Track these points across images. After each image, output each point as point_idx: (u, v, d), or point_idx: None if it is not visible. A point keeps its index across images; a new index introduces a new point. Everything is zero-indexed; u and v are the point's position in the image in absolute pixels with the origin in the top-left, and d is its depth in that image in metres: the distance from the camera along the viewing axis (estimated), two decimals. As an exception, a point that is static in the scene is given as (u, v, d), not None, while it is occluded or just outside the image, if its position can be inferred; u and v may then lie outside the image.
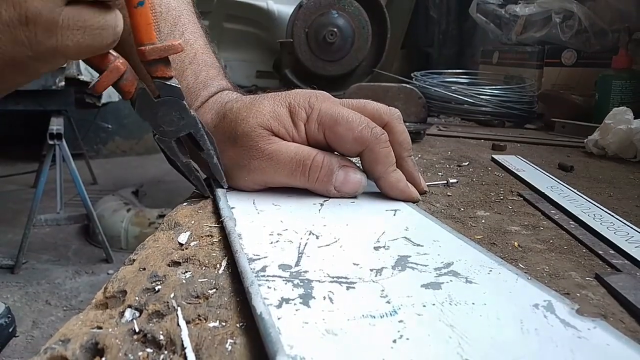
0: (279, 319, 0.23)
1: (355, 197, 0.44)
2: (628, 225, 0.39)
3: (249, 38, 1.79)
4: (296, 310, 0.24)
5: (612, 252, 0.34)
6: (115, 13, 0.33)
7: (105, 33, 0.33)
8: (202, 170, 0.45)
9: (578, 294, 0.28)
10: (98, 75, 0.37)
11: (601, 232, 0.37)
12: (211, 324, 0.24)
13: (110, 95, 2.88)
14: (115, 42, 0.34)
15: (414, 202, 0.44)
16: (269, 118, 0.43)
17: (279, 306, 0.24)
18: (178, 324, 0.23)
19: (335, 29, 1.16)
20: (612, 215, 0.41)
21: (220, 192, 0.43)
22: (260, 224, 0.36)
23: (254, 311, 0.23)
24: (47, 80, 2.39)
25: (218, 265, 0.30)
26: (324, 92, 0.46)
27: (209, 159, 0.42)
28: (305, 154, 0.42)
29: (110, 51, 0.36)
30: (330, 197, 0.43)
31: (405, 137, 0.45)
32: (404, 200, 0.44)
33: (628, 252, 0.34)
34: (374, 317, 0.23)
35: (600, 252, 0.34)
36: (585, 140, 0.74)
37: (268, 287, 0.26)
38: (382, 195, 0.44)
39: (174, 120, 0.40)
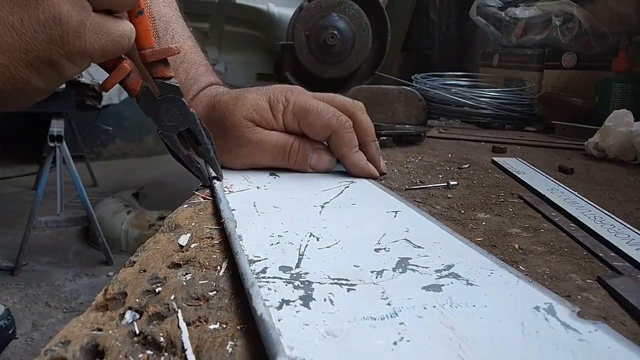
0: (279, 320, 0.23)
1: (328, 172, 0.53)
2: (629, 228, 0.39)
3: (250, 40, 1.79)
4: (296, 311, 0.24)
5: (613, 254, 0.34)
6: (129, 23, 0.38)
7: (123, 39, 0.37)
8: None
9: (579, 297, 0.28)
10: (108, 74, 0.41)
11: (602, 235, 0.37)
12: (212, 326, 0.24)
13: (110, 97, 2.88)
14: (130, 47, 0.39)
15: (373, 179, 0.52)
16: (252, 111, 0.50)
17: (280, 308, 0.24)
18: (178, 326, 0.23)
19: (335, 32, 1.16)
20: (613, 218, 0.41)
21: (220, 194, 0.43)
22: (260, 226, 0.36)
23: (254, 313, 0.23)
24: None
25: (219, 267, 0.30)
26: (299, 87, 0.53)
27: (206, 152, 0.46)
28: (285, 141, 0.51)
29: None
30: (328, 202, 0.43)
31: (368, 124, 0.53)
32: (364, 177, 0.51)
33: (629, 254, 0.34)
34: (375, 319, 0.23)
35: (601, 254, 0.34)
36: (586, 142, 0.74)
37: (268, 288, 0.26)
38: (383, 197, 0.45)
39: (175, 116, 0.44)
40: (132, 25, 0.39)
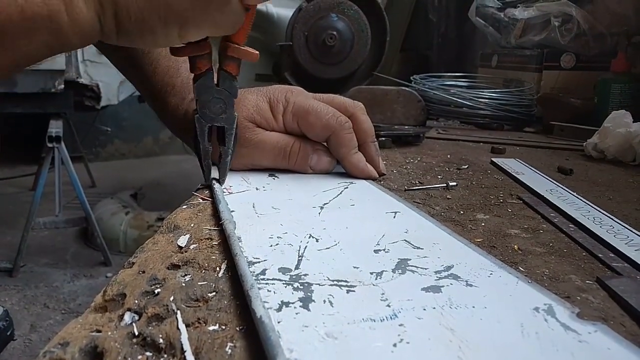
0: (278, 322, 0.23)
1: (328, 173, 0.53)
2: (627, 229, 0.39)
3: (248, 41, 1.79)
4: (296, 313, 0.24)
5: (612, 255, 0.34)
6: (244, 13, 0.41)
7: (234, 27, 0.41)
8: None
9: (578, 297, 0.28)
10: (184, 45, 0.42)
11: (601, 235, 0.37)
12: (211, 328, 0.24)
13: (109, 98, 2.87)
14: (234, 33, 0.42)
15: (372, 180, 0.51)
16: (252, 112, 0.51)
17: (279, 309, 0.24)
18: (178, 328, 0.23)
19: (334, 33, 1.16)
20: (612, 219, 0.41)
21: (220, 195, 0.43)
22: (260, 227, 0.36)
23: (254, 314, 0.23)
24: (46, 83, 2.39)
25: (218, 269, 0.30)
26: (299, 88, 0.54)
27: (224, 155, 0.47)
28: (285, 142, 0.51)
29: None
30: (328, 203, 0.43)
31: (367, 125, 0.53)
32: (363, 178, 0.51)
33: (628, 255, 0.34)
34: (374, 321, 0.23)
35: (600, 255, 0.34)
36: (585, 143, 0.74)
37: (268, 290, 0.26)
38: (382, 198, 0.45)
39: (218, 110, 0.45)
40: (243, 16, 0.41)
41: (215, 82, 0.45)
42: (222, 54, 0.44)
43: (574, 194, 0.49)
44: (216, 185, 0.45)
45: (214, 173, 0.48)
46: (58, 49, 0.35)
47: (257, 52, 0.45)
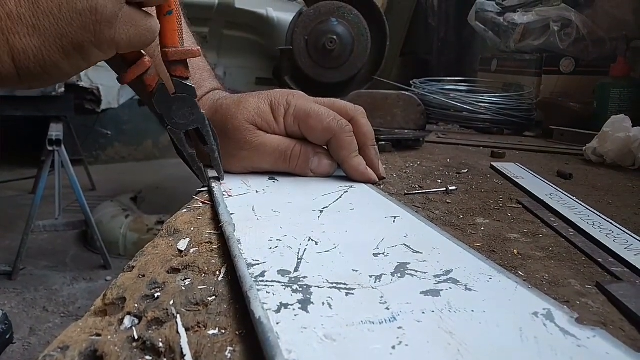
0: (277, 323, 0.23)
1: (328, 176, 0.53)
2: (627, 233, 0.39)
3: (249, 45, 1.80)
4: (295, 315, 0.24)
5: (612, 259, 0.34)
6: (155, 19, 0.41)
7: (149, 34, 0.40)
8: (203, 161, 0.50)
9: (578, 302, 0.28)
10: (126, 67, 0.43)
11: (600, 240, 0.37)
12: (211, 332, 0.24)
13: (109, 101, 2.88)
14: (153, 41, 0.41)
15: (372, 184, 0.51)
16: (254, 115, 0.51)
17: (278, 311, 0.24)
18: (177, 332, 0.23)
19: (334, 37, 1.16)
20: (611, 223, 0.41)
21: (219, 197, 0.43)
22: (259, 230, 0.36)
23: (253, 316, 0.23)
24: (47, 87, 2.39)
25: (217, 272, 0.30)
26: (300, 92, 0.54)
27: (211, 153, 0.48)
28: (286, 145, 0.51)
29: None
30: (327, 206, 0.43)
31: (368, 129, 0.53)
32: (363, 182, 0.51)
33: (627, 259, 0.34)
34: (373, 323, 0.23)
35: (599, 259, 0.34)
36: (584, 148, 0.74)
37: (267, 292, 0.26)
38: (382, 202, 0.45)
39: (186, 114, 0.46)
40: (157, 22, 0.41)
41: (171, 91, 0.46)
42: (165, 62, 0.45)
43: (574, 198, 0.49)
44: (216, 189, 0.45)
45: (211, 173, 0.48)
46: None
47: (198, 47, 0.46)
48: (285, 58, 1.25)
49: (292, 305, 0.25)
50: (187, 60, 0.46)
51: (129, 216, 2.38)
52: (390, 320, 0.24)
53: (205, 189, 0.48)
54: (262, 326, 0.22)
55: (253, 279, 0.27)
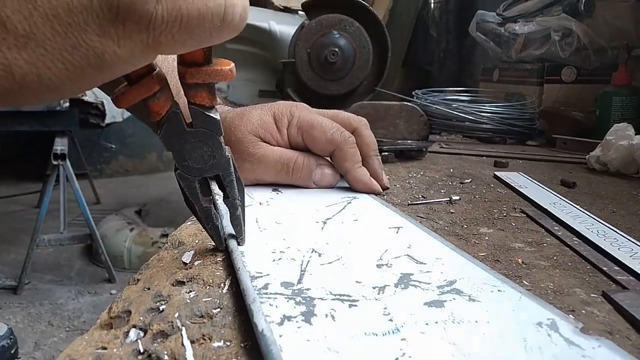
0: (280, 336, 0.23)
1: (331, 187, 0.53)
2: (632, 241, 0.39)
3: (252, 58, 1.81)
4: (298, 327, 0.24)
5: (617, 268, 0.34)
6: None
7: (219, 7, 0.24)
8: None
9: (583, 311, 0.28)
10: (126, 85, 0.29)
11: (605, 249, 0.37)
12: (216, 344, 0.24)
13: (114, 115, 2.90)
14: (230, 27, 0.25)
15: (376, 194, 0.51)
16: (257, 126, 0.51)
17: (281, 323, 0.24)
18: (182, 344, 0.23)
19: (336, 49, 1.17)
20: (616, 232, 0.41)
21: (223, 209, 0.43)
22: (262, 242, 0.36)
23: (256, 328, 0.23)
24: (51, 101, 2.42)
25: (222, 285, 0.30)
26: (303, 103, 0.54)
27: (232, 209, 0.35)
28: (289, 157, 0.51)
29: (155, 61, 0.28)
30: (330, 218, 0.43)
31: (371, 140, 0.53)
32: (367, 192, 0.51)
33: (633, 268, 0.34)
34: (377, 335, 0.23)
35: (604, 268, 0.34)
36: (587, 156, 0.74)
37: (270, 304, 0.26)
38: (385, 213, 0.45)
39: (204, 156, 0.33)
40: None
41: (188, 121, 0.32)
42: (183, 84, 0.30)
43: (578, 207, 0.49)
44: (233, 245, 0.35)
45: (227, 229, 0.36)
46: None
47: (232, 64, 0.30)
48: (288, 71, 1.26)
49: (295, 317, 0.25)
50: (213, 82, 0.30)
51: (134, 229, 2.39)
52: (393, 332, 0.24)
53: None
54: (265, 339, 0.22)
55: (256, 291, 0.27)
